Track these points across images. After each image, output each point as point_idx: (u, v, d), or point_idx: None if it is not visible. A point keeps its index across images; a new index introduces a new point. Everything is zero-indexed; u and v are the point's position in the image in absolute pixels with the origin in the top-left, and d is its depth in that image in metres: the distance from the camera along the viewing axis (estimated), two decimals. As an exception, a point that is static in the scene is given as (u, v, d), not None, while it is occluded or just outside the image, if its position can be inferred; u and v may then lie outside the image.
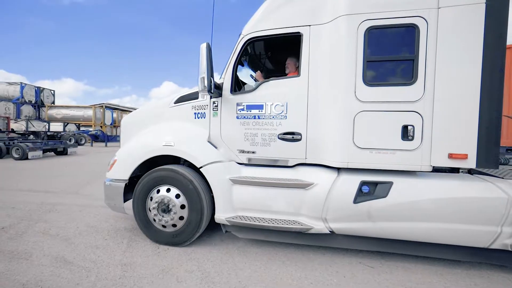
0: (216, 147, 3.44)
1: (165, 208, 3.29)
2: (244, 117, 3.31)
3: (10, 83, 20.69)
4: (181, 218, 3.28)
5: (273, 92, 3.22)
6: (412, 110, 2.77)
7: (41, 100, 21.82)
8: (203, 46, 3.02)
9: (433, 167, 2.81)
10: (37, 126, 20.07)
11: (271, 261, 3.08)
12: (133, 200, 3.50)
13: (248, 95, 3.30)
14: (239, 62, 3.40)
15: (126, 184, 3.53)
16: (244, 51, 3.37)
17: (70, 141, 19.45)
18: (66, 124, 24.44)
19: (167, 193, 3.31)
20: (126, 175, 3.50)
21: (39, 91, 21.67)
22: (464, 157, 2.70)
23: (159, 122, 3.74)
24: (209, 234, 3.72)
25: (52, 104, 23.17)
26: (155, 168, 3.44)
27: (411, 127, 2.77)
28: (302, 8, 3.09)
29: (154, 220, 3.36)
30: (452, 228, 2.71)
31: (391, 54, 2.91)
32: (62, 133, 21.49)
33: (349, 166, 2.95)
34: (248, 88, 3.58)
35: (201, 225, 3.25)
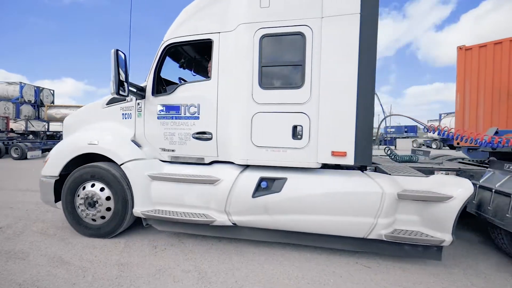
0: (140, 146, 3.66)
1: (91, 202, 3.49)
2: (164, 117, 3.53)
3: (9, 83, 20.65)
4: (108, 209, 3.48)
5: (187, 95, 3.45)
6: (300, 111, 3.02)
7: (41, 99, 21.80)
8: (112, 53, 3.15)
9: (321, 164, 3.07)
10: (37, 126, 20.05)
11: (268, 261, 3.08)
12: (61, 197, 3.65)
13: (167, 97, 3.53)
14: (161, 66, 3.62)
15: (56, 180, 3.70)
16: (164, 56, 3.59)
17: (69, 141, 19.30)
18: (65, 124, 24.27)
19: (92, 188, 3.51)
20: (56, 172, 3.68)
21: (38, 90, 21.64)
22: (344, 154, 2.94)
23: (93, 122, 3.93)
24: (208, 234, 3.72)
25: (52, 104, 23.14)
26: (81, 166, 3.61)
27: (300, 127, 3.03)
28: (213, 16, 3.32)
29: (84, 216, 3.54)
30: (337, 220, 2.96)
31: (282, 60, 3.16)
32: (61, 133, 21.39)
33: (248, 163, 3.23)
34: (170, 89, 3.70)
35: (128, 213, 3.45)
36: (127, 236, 3.67)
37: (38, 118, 21.59)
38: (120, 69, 3.13)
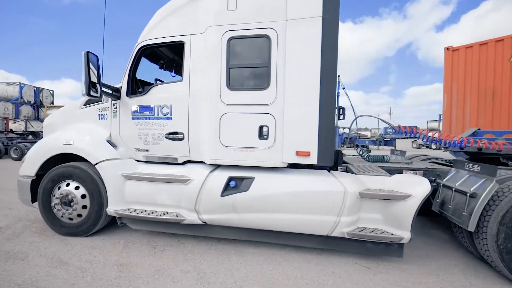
0: (115, 146, 3.71)
1: (66, 202, 3.54)
2: (138, 118, 3.59)
3: (9, 83, 20.63)
4: (84, 207, 3.54)
5: (160, 96, 3.52)
6: (266, 112, 3.10)
7: (40, 100, 21.78)
8: (82, 54, 3.18)
9: (288, 163, 3.15)
10: (36, 127, 20.02)
11: (267, 262, 3.08)
12: (37, 197, 3.70)
13: (141, 98, 3.58)
14: (136, 67, 3.66)
15: (33, 180, 3.74)
16: (139, 58, 3.64)
17: (69, 141, 19.28)
18: (65, 124, 24.20)
19: (67, 187, 3.57)
20: (32, 171, 3.73)
21: (38, 91, 21.62)
22: (307, 154, 3.02)
23: (71, 123, 3.99)
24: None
25: (51, 105, 23.12)
26: (56, 166, 3.66)
27: (266, 127, 3.11)
28: (184, 19, 3.38)
29: (60, 215, 3.59)
30: (301, 218, 3.03)
31: (249, 62, 3.23)
32: (61, 133, 21.27)
33: (217, 163, 3.31)
34: (146, 90, 3.75)
35: (103, 212, 3.51)
36: (126, 237, 3.67)
37: (37, 118, 21.56)
38: (91, 71, 3.19)
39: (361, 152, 4.37)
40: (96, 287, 2.54)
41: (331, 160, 3.08)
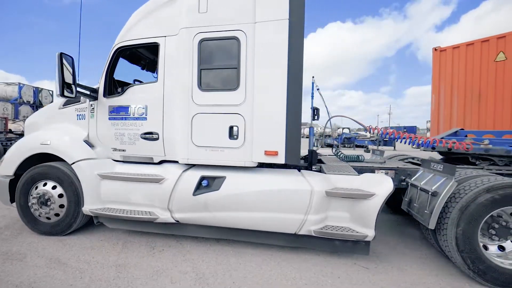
0: (93, 146, 3.76)
1: (44, 201, 3.57)
2: (115, 118, 3.63)
3: (8, 84, 20.59)
4: (61, 206, 3.58)
5: (136, 96, 3.56)
6: (236, 112, 3.16)
7: (39, 100, 21.76)
8: (56, 56, 3.19)
9: (258, 163, 3.21)
10: (35, 127, 20.03)
11: (266, 262, 3.08)
12: (15, 197, 3.74)
13: (117, 98, 3.62)
14: (113, 68, 3.71)
15: (11, 180, 3.78)
16: (116, 59, 3.69)
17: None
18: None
19: (44, 187, 3.61)
20: (10, 171, 3.77)
21: (37, 91, 21.59)
22: (275, 154, 3.08)
23: (50, 123, 4.01)
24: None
25: (51, 105, 23.12)
26: (33, 166, 3.70)
27: (236, 127, 3.17)
28: (159, 21, 3.43)
29: (38, 214, 3.63)
30: (270, 217, 3.09)
31: (219, 63, 3.29)
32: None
33: (189, 163, 3.36)
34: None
35: (80, 211, 3.54)
36: (125, 237, 3.67)
37: (37, 118, 21.51)
38: (66, 72, 3.22)
39: (336, 152, 4.44)
40: (94, 288, 2.53)
41: (298, 159, 3.14)
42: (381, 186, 2.95)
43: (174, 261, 3.06)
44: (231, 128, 3.18)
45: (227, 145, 3.20)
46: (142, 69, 4.39)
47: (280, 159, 3.08)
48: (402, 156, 4.90)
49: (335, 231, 2.97)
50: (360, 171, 3.47)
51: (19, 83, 20.51)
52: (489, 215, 2.65)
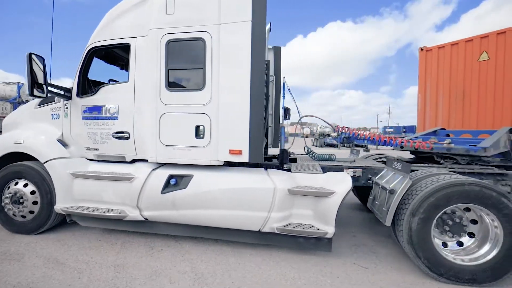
0: (67, 145, 3.80)
1: (16, 200, 3.61)
2: (87, 117, 3.67)
3: (7, 83, 20.53)
4: (34, 203, 3.63)
5: (108, 96, 3.61)
6: (202, 112, 3.21)
7: (39, 100, 21.74)
8: (26, 56, 3.20)
9: (224, 161, 3.27)
10: (34, 126, 20.00)
11: (265, 262, 3.07)
12: None
13: (90, 98, 3.66)
14: (86, 68, 3.74)
15: None
16: (89, 59, 3.72)
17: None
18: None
19: (15, 186, 3.66)
20: None
21: (36, 91, 21.58)
22: (239, 152, 3.14)
23: (26, 122, 4.05)
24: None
25: (50, 104, 23.07)
26: (5, 166, 3.75)
27: (202, 127, 3.23)
28: (130, 21, 3.48)
29: (12, 214, 3.65)
30: (235, 214, 3.15)
31: (186, 64, 3.38)
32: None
33: (158, 161, 3.42)
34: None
35: (53, 210, 3.57)
36: (124, 237, 3.66)
37: (36, 118, 21.48)
38: (37, 72, 3.25)
39: (307, 151, 4.52)
40: (92, 288, 2.52)
41: (261, 158, 3.21)
42: (341, 184, 3.05)
43: (173, 261, 3.05)
44: (197, 127, 3.24)
45: (193, 144, 3.26)
46: (121, 69, 4.42)
47: (244, 158, 3.14)
48: (377, 156, 4.99)
49: (298, 228, 3.04)
50: (329, 170, 3.57)
51: (18, 83, 20.45)
52: (441, 212, 2.72)
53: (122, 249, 3.31)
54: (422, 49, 6.52)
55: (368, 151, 14.00)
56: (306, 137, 5.61)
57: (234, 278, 2.73)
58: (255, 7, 3.05)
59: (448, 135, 4.73)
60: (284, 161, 3.71)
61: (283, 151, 3.77)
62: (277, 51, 5.01)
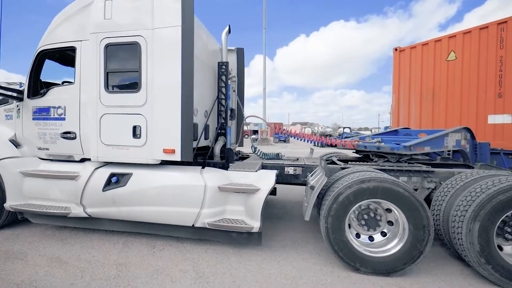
0: (19, 145, 3.99)
1: None
2: (37, 118, 3.83)
3: (9, 83, 20.65)
4: None
5: (56, 98, 3.76)
6: (138, 113, 3.37)
7: (40, 100, 21.83)
8: None
9: (160, 160, 3.40)
10: (36, 126, 20.07)
11: (266, 261, 3.09)
12: None
13: (40, 99, 3.82)
14: (37, 71, 3.90)
15: None
16: (40, 62, 3.87)
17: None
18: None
19: None
20: None
21: (38, 91, 21.67)
22: (173, 151, 3.29)
23: None
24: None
25: (52, 104, 23.12)
26: None
27: (139, 127, 3.38)
28: (76, 25, 3.64)
29: None
30: (170, 211, 3.30)
31: (123, 67, 3.53)
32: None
33: (99, 160, 3.56)
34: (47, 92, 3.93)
35: (5, 208, 3.69)
36: (126, 236, 3.68)
37: (38, 118, 21.54)
38: None
39: (254, 150, 4.64)
40: (94, 287, 2.55)
41: (191, 156, 3.35)
42: (265, 181, 3.24)
43: (174, 260, 3.08)
44: (134, 128, 3.38)
45: (131, 143, 3.40)
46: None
47: (177, 157, 3.27)
48: (329, 155, 5.05)
49: (228, 223, 3.18)
50: (272, 168, 3.84)
51: (20, 83, 20.49)
52: (353, 207, 2.85)
53: (124, 248, 3.33)
54: (396, 49, 6.61)
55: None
56: (252, 137, 5.93)
57: (235, 277, 2.74)
58: (184, 13, 3.21)
59: (407, 134, 4.82)
60: (230, 159, 3.93)
61: (227, 150, 3.98)
62: (240, 53, 5.14)
